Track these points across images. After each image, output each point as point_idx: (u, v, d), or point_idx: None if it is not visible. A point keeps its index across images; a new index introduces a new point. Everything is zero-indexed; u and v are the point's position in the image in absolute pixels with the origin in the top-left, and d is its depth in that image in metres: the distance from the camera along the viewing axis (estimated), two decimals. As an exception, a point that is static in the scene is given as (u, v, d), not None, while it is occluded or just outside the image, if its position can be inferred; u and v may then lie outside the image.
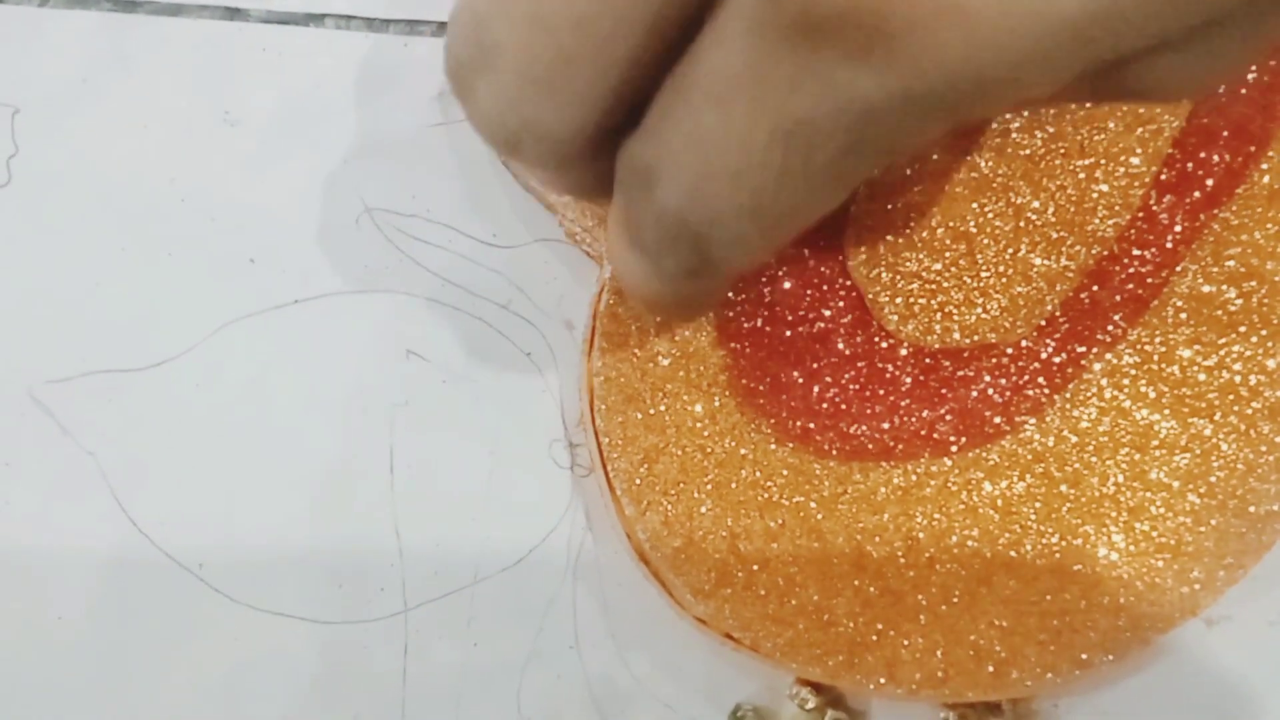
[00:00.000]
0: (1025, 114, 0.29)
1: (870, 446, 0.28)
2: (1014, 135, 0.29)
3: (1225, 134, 0.29)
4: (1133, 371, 0.29)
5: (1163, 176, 0.29)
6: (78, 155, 0.31)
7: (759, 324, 0.29)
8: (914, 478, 0.28)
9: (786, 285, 0.29)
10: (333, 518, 0.29)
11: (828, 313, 0.29)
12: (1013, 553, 0.28)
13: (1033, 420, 0.28)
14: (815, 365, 0.29)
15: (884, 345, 0.29)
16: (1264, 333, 0.28)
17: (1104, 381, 0.29)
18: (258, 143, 0.31)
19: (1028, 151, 0.29)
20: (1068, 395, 0.29)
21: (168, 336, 0.30)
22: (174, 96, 0.32)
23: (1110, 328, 0.29)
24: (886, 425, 0.28)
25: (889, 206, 0.29)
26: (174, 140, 0.31)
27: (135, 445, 0.30)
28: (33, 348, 0.30)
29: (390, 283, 0.31)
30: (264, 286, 0.31)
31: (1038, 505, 0.28)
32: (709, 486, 0.28)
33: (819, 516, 0.28)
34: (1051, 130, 0.29)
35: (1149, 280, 0.29)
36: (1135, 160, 0.29)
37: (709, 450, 0.29)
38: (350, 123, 0.32)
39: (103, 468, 0.29)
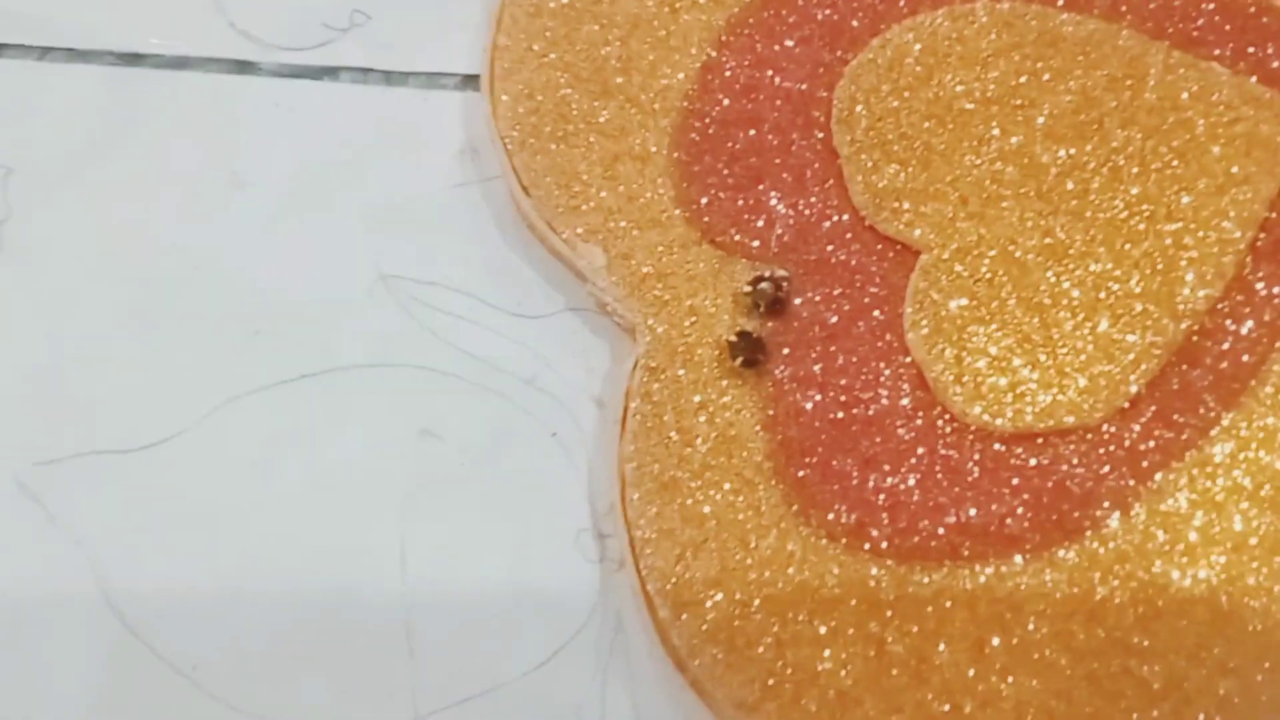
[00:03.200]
0: (1104, 170, 0.27)
1: (933, 544, 0.26)
2: (1092, 197, 0.28)
3: (1328, 195, 0.27)
4: (1227, 461, 0.27)
5: (1259, 242, 0.28)
6: (74, 220, 0.30)
7: (808, 405, 0.27)
8: (983, 579, 0.26)
9: (839, 361, 0.27)
10: (338, 615, 0.28)
11: (885, 393, 0.27)
12: (1095, 664, 0.25)
13: (1116, 514, 0.26)
14: (870, 451, 0.27)
15: (948, 429, 0.27)
16: (1380, 419, 0.26)
17: (1195, 471, 0.27)
18: (266, 205, 0.31)
19: (1107, 215, 0.28)
20: (1154, 486, 0.26)
21: (165, 415, 0.29)
22: (179, 156, 0.31)
23: (1202, 411, 0.27)
24: (951, 519, 0.26)
25: (953, 274, 0.27)
26: (178, 203, 0.31)
27: (126, 535, 0.28)
28: (21, 428, 0.29)
29: (405, 356, 0.30)
30: (269, 360, 0.29)
31: (1123, 611, 0.26)
32: (753, 587, 0.26)
33: (874, 623, 0.26)
34: (1135, 192, 0.27)
35: (1245, 358, 0.27)
36: (1228, 224, 0.28)
37: (752, 546, 0.27)
38: (365, 183, 0.31)
39: (91, 560, 0.28)
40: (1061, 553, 0.26)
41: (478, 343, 0.29)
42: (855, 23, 0.29)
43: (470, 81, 0.31)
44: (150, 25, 0.32)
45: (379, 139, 0.31)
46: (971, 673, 0.25)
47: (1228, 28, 0.29)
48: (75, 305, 0.30)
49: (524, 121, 0.29)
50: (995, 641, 0.26)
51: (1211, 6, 0.29)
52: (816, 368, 0.27)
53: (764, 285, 0.28)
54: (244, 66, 0.32)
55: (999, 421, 0.27)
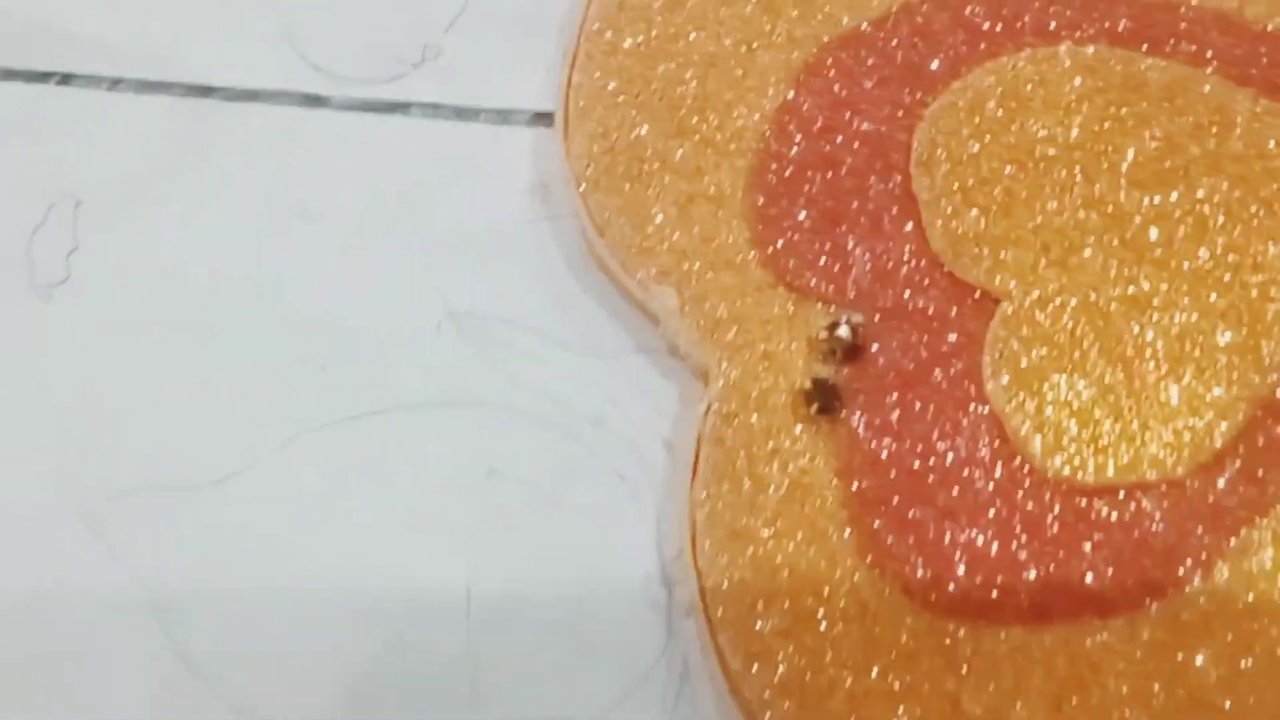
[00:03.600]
0: (1189, 220, 0.27)
1: (1011, 600, 0.25)
2: (1177, 247, 0.27)
3: None
4: (1316, 519, 0.25)
5: (1349, 296, 0.27)
6: (142, 251, 0.30)
7: (883, 454, 0.26)
8: (1062, 636, 0.25)
9: (916, 410, 0.27)
10: (403, 658, 0.27)
11: (962, 442, 0.26)
12: (1180, 730, 0.24)
13: (1199, 571, 0.25)
14: (947, 503, 0.26)
15: (1028, 482, 0.26)
16: None
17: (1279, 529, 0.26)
18: (334, 239, 0.30)
19: (1192, 265, 0.27)
20: (1237, 544, 0.25)
21: (229, 451, 0.28)
22: (248, 188, 0.31)
23: (1288, 468, 0.26)
24: (1030, 574, 0.25)
25: (1034, 323, 0.27)
26: (246, 235, 0.30)
27: (188, 572, 0.27)
28: (83, 462, 0.28)
29: (473, 394, 0.29)
30: (335, 396, 0.29)
31: (1205, 672, 0.25)
32: (825, 640, 0.25)
33: (950, 680, 0.25)
34: (1221, 242, 0.26)
35: (1334, 415, 0.26)
36: (1316, 277, 0.26)
37: (826, 596, 0.26)
38: (434, 219, 0.30)
39: (153, 598, 0.27)
40: (1143, 610, 0.25)
41: (546, 382, 0.29)
42: (935, 65, 0.29)
43: (542, 118, 0.31)
44: (221, 57, 0.32)
45: (449, 174, 0.31)
46: (1052, 735, 0.25)
47: (1316, 76, 0.28)
48: (142, 337, 0.29)
49: (598, 160, 0.29)
50: (1074, 700, 0.25)
51: (1300, 54, 0.28)
52: (893, 416, 0.26)
53: (841, 331, 0.27)
54: (314, 100, 0.31)
55: (1080, 474, 0.26)
